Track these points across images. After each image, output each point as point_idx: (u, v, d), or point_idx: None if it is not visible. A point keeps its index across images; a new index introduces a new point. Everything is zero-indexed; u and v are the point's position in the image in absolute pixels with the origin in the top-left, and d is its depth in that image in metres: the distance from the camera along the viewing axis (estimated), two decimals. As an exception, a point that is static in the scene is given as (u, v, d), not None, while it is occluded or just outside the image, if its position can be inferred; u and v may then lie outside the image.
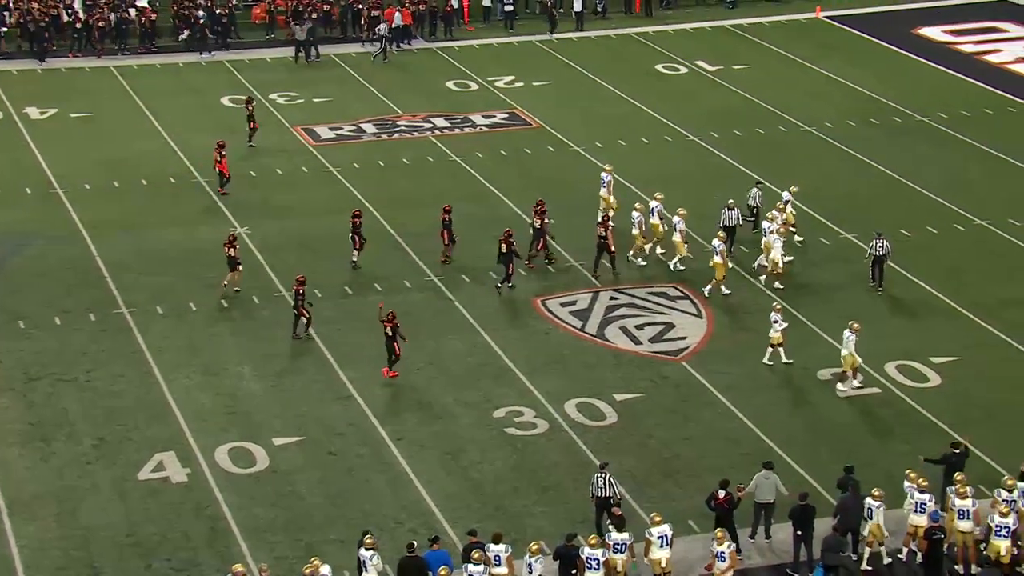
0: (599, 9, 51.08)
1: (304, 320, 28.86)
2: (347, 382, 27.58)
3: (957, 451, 23.22)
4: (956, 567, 21.92)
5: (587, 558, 20.88)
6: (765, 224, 31.17)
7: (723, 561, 20.82)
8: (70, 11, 48.23)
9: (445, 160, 38.75)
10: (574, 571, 21.00)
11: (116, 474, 24.59)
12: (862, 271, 31.53)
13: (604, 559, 20.89)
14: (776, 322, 27.55)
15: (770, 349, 27.71)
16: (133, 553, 22.59)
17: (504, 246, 30.70)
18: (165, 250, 33.26)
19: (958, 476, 22.36)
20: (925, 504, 21.91)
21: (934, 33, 49.12)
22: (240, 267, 30.75)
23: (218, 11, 48.31)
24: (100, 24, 47.65)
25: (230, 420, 26.29)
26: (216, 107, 42.93)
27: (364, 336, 29.20)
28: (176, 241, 33.72)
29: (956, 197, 35.45)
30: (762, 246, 31.23)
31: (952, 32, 49.14)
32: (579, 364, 28.04)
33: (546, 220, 31.84)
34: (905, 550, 22.36)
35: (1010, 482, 22.19)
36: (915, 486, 22.14)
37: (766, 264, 30.88)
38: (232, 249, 30.63)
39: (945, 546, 21.70)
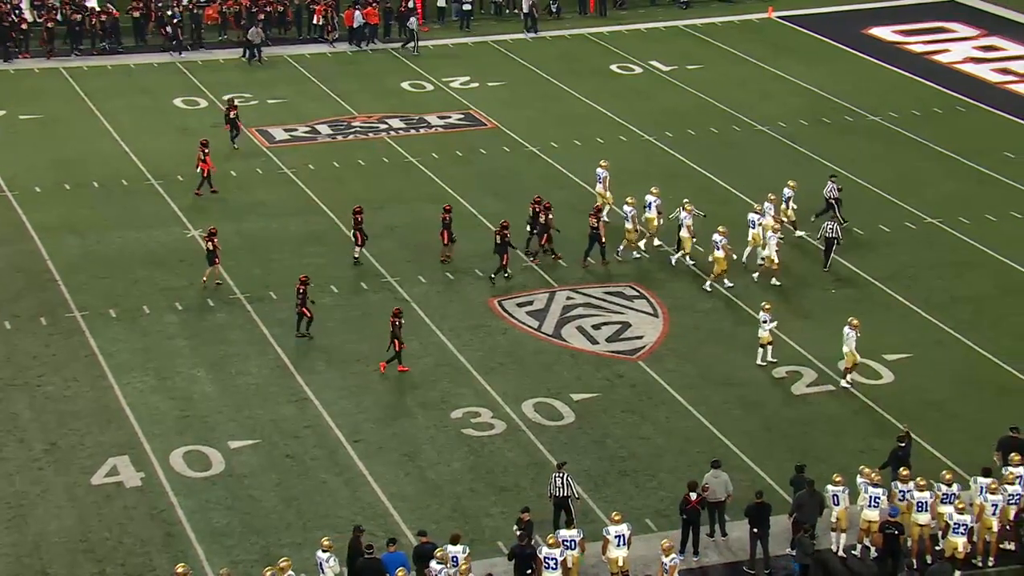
0: (553, 9, 51.15)
1: (307, 319, 28.80)
2: (303, 384, 27.44)
3: (903, 444, 23.47)
4: (911, 559, 22.14)
5: (545, 558, 20.90)
6: (753, 216, 31.37)
7: (667, 573, 20.81)
8: (17, 11, 47.66)
9: (400, 161, 38.66)
10: (530, 571, 21.01)
11: (69, 479, 24.32)
12: (816, 270, 31.79)
13: (562, 559, 20.91)
14: (765, 321, 27.68)
15: (760, 349, 27.85)
16: (86, 559, 22.36)
17: (499, 237, 30.94)
18: (117, 253, 32.96)
19: (903, 471, 22.58)
20: (879, 499, 22.13)
21: (884, 33, 49.60)
22: (219, 261, 30.82)
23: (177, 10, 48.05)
24: (49, 25, 47.12)
25: (185, 423, 26.08)
26: (169, 109, 42.57)
27: (319, 338, 29.08)
28: (128, 244, 33.42)
29: (907, 195, 35.82)
30: (749, 239, 31.45)
31: (902, 32, 49.65)
32: (536, 364, 28.07)
33: (550, 216, 32.01)
34: (859, 546, 22.57)
35: (948, 476, 22.44)
36: (868, 481, 22.37)
37: (762, 261, 31.10)
38: (211, 243, 30.71)
39: (903, 539, 21.91)
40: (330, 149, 39.47)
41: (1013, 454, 23.00)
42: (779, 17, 51.46)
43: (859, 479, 22.52)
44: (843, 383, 27.05)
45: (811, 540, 21.79)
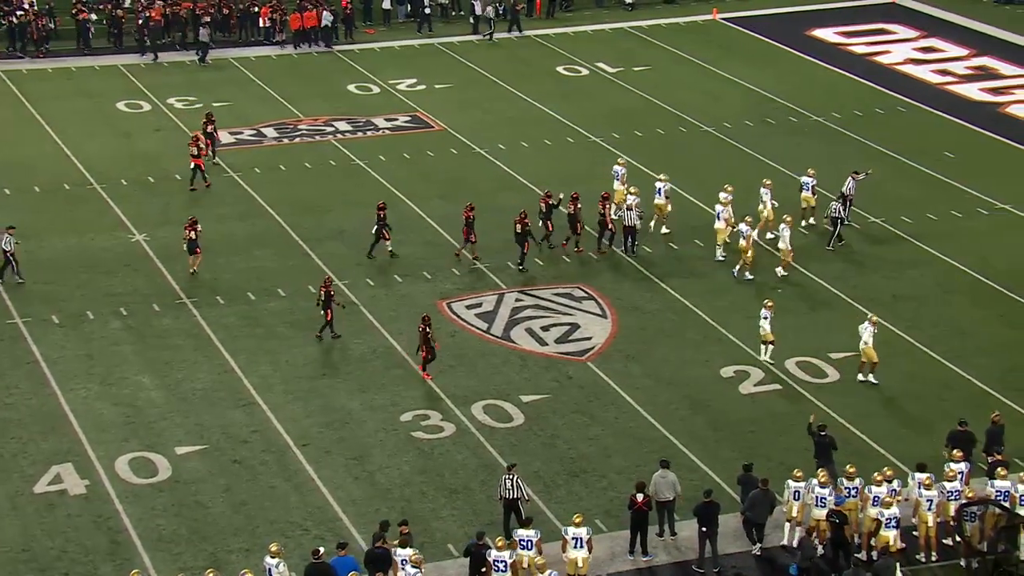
0: (500, 11, 51.18)
1: (328, 320, 28.74)
2: (250, 388, 27.24)
3: (823, 433, 23.69)
4: (858, 555, 22.36)
5: (494, 560, 20.90)
6: (717, 209, 32.13)
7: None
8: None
9: (348, 164, 38.50)
10: (483, 570, 21.00)
11: (10, 488, 23.96)
12: (761, 269, 32.05)
13: (511, 561, 20.91)
14: (765, 318, 27.84)
15: (763, 346, 28.01)
16: (29, 569, 22.04)
17: (519, 227, 31.37)
18: (60, 258, 32.54)
19: (850, 468, 22.79)
20: (825, 499, 22.32)
21: (826, 35, 50.13)
22: (199, 251, 31.00)
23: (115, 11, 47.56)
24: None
25: (130, 430, 25.79)
26: (112, 112, 42.12)
27: (266, 341, 28.89)
28: (71, 248, 33.01)
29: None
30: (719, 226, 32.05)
31: (844, 34, 50.20)
32: (485, 366, 28.05)
33: (579, 206, 32.47)
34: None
35: (889, 472, 22.64)
36: (816, 481, 22.54)
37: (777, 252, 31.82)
38: (192, 232, 30.96)
39: (848, 530, 22.11)
40: (276, 152, 39.22)
41: (955, 450, 23.32)
42: (723, 19, 51.85)
43: (811, 479, 22.62)
44: (860, 378, 27.27)
45: (813, 545, 21.91)
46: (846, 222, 33.11)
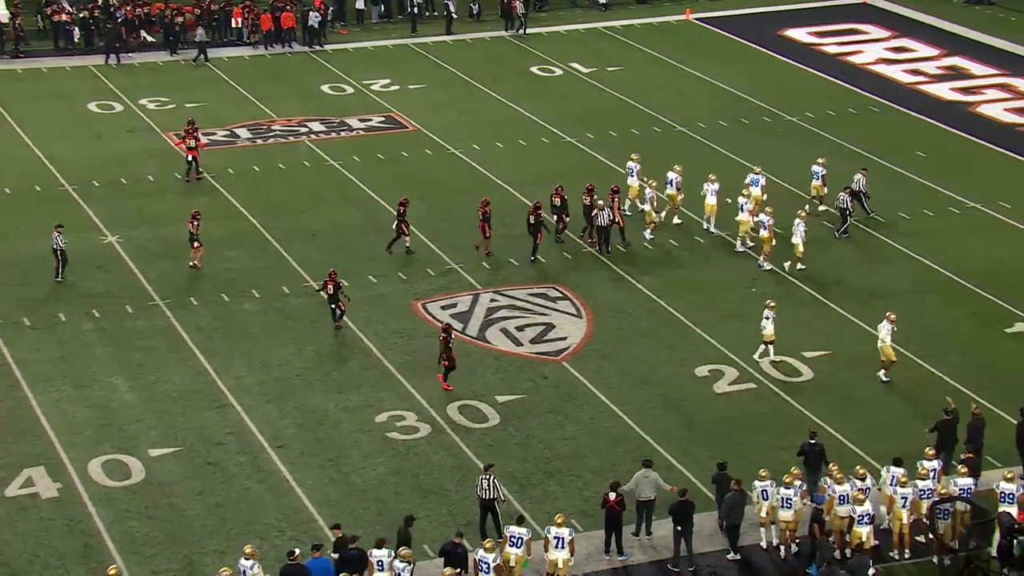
0: (474, 12, 51.16)
1: (339, 311, 28.88)
2: (225, 390, 27.13)
3: (812, 441, 23.82)
4: (834, 554, 22.45)
5: (479, 560, 20.87)
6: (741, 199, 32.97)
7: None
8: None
9: (322, 164, 38.39)
10: (460, 570, 20.97)
11: (-17, 492, 23.80)
12: (734, 268, 32.16)
13: (495, 564, 20.87)
14: (767, 318, 27.93)
15: (763, 346, 28.11)
16: (1, 573, 21.85)
17: (532, 218, 31.73)
18: (31, 260, 32.29)
19: (832, 466, 22.91)
20: (791, 500, 22.38)
21: (799, 35, 50.35)
22: (197, 244, 31.29)
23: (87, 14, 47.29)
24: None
25: (103, 432, 25.63)
26: (83, 113, 41.86)
27: (240, 342, 28.77)
28: (43, 250, 32.73)
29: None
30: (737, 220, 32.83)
31: (816, 34, 50.42)
32: (461, 367, 28.00)
33: (594, 197, 32.91)
34: (782, 547, 22.75)
35: (862, 471, 22.80)
36: (783, 483, 22.59)
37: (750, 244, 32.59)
38: (191, 224, 31.21)
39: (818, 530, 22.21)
40: (250, 153, 39.07)
41: (927, 448, 23.46)
42: (696, 19, 52.00)
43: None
44: (882, 377, 27.43)
45: (832, 545, 21.95)
46: (870, 214, 34.26)
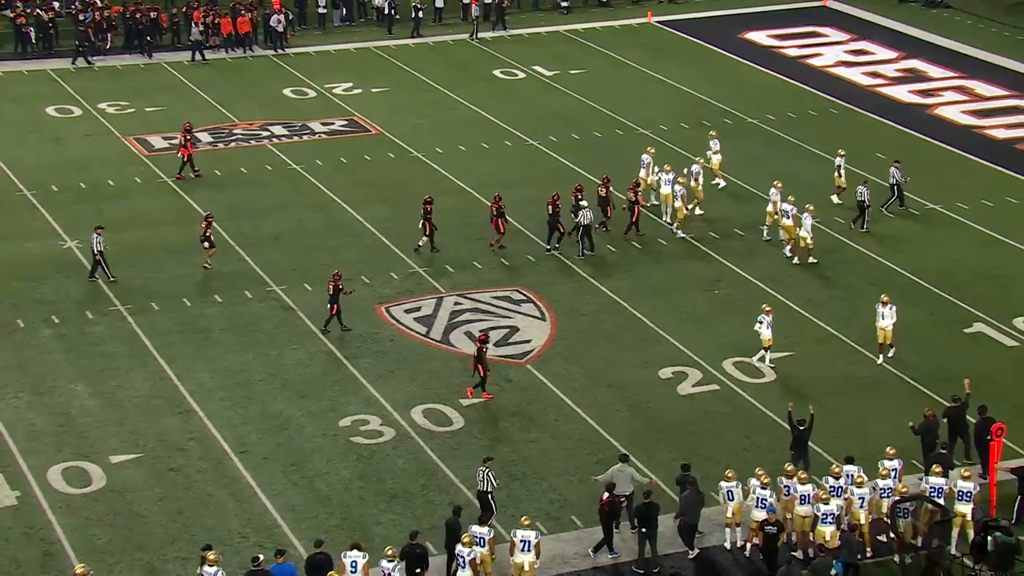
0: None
1: (334, 314, 28.88)
2: (187, 395, 26.95)
3: (802, 427, 23.98)
4: (795, 553, 22.57)
5: (456, 554, 21.15)
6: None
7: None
8: None
9: (284, 168, 38.23)
10: (419, 570, 21.00)
11: (-59, 501, 23.52)
12: (696, 270, 32.31)
13: (471, 557, 20.94)
14: (761, 323, 28.02)
15: (762, 351, 28.19)
16: (-39, 583, 21.65)
17: (551, 208, 32.19)
18: (-10, 265, 31.99)
19: (788, 467, 23.03)
20: (766, 500, 22.49)
21: (760, 37, 50.66)
22: (204, 244, 31.50)
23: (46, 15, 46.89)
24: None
25: (63, 439, 25.40)
26: (40, 117, 41.47)
27: (203, 348, 28.59)
28: (1, 256, 32.44)
29: (784, 196, 36.52)
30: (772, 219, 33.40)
31: (776, 36, 50.76)
32: (425, 370, 27.98)
33: (610, 189, 33.76)
34: (749, 545, 22.89)
35: (836, 470, 22.97)
36: (759, 482, 22.70)
37: (784, 240, 33.02)
38: (203, 227, 31.54)
39: (784, 536, 22.30)
40: (211, 157, 38.84)
41: (888, 448, 23.65)
42: (658, 22, 52.21)
43: (751, 480, 22.82)
44: (879, 361, 27.95)
45: (857, 541, 21.97)
46: (901, 206, 35.12)
